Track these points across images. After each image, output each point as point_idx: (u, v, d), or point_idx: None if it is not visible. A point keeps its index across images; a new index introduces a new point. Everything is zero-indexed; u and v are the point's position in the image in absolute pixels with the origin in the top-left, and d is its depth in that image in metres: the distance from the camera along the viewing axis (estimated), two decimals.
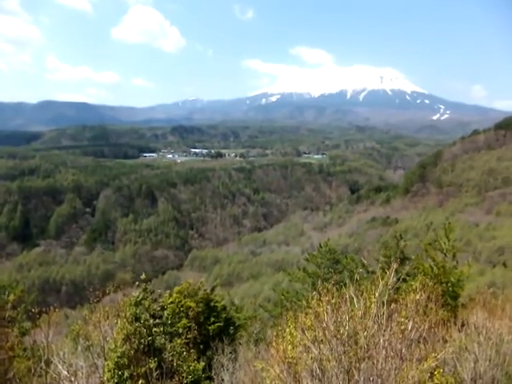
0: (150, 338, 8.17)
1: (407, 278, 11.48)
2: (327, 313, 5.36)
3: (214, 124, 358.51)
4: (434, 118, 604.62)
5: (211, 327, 12.77)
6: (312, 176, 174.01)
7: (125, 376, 7.70)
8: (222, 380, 10.01)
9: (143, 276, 9.27)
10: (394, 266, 6.19)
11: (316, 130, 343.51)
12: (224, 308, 14.11)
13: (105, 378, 7.91)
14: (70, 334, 10.29)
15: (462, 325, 8.38)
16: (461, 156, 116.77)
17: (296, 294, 16.25)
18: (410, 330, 5.30)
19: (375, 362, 5.08)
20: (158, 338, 8.37)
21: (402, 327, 5.26)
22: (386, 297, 5.49)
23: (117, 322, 8.53)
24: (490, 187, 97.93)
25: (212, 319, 12.99)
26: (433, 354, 5.44)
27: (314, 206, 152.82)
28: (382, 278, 5.74)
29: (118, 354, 7.79)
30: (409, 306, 5.51)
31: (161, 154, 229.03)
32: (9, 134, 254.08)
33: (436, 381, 5.56)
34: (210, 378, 10.25)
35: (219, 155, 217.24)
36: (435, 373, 5.58)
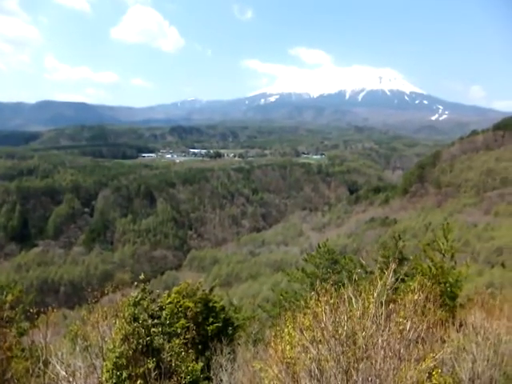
0: (148, 339, 8.16)
1: (405, 278, 11.50)
2: (326, 313, 5.36)
3: (213, 124, 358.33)
4: (433, 118, 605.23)
5: (210, 327, 12.77)
6: (311, 176, 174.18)
7: (123, 376, 7.69)
8: (221, 380, 10.01)
9: (142, 276, 9.25)
10: (393, 266, 6.19)
11: (315, 130, 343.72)
12: (223, 308, 14.11)
13: (103, 379, 7.90)
14: (69, 335, 10.28)
15: (460, 325, 8.38)
16: (459, 156, 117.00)
17: (294, 294, 16.26)
18: (409, 331, 5.30)
19: (373, 362, 5.08)
20: (156, 338, 8.36)
21: (401, 327, 5.26)
22: (385, 297, 5.50)
23: (115, 323, 8.51)
24: (488, 188, 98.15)
25: (211, 319, 12.99)
26: (431, 354, 5.45)
27: (312, 207, 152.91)
28: (381, 279, 5.75)
29: (117, 354, 7.78)
30: (407, 306, 5.51)
31: (159, 154, 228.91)
32: (7, 133, 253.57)
33: (434, 381, 5.56)
34: (209, 379, 10.24)
35: (218, 155, 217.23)
36: (433, 373, 5.58)
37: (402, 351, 5.18)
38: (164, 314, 10.08)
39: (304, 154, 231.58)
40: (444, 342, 7.32)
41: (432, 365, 5.37)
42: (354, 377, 5.05)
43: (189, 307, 11.98)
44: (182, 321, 11.18)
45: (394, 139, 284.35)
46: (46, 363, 8.00)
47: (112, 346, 7.96)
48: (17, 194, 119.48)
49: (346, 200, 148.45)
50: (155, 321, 8.68)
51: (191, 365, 8.78)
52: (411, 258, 13.11)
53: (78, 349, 8.78)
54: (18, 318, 11.51)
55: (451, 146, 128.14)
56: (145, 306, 8.59)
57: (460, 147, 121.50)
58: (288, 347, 5.58)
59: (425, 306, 5.91)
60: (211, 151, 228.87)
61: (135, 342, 7.93)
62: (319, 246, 17.48)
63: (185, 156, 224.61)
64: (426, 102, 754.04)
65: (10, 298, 11.76)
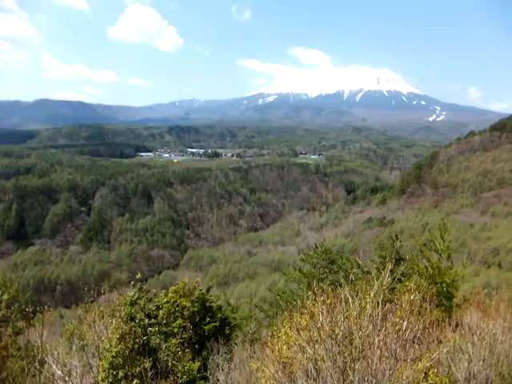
0: (145, 338, 8.15)
1: (402, 278, 11.51)
2: (322, 313, 5.37)
3: (211, 124, 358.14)
4: (430, 119, 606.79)
5: (207, 327, 12.75)
6: (308, 176, 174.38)
7: (119, 376, 7.67)
8: (217, 380, 10.00)
9: (139, 275, 9.24)
10: (389, 266, 6.20)
11: (313, 130, 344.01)
12: (220, 308, 14.09)
13: (99, 378, 7.88)
14: (65, 334, 10.23)
15: (457, 325, 8.40)
16: (456, 157, 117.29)
17: (291, 294, 16.24)
18: (405, 330, 5.31)
19: (370, 362, 5.09)
20: (153, 337, 8.35)
21: (397, 327, 5.27)
22: (381, 297, 5.50)
23: (112, 322, 8.50)
24: (485, 188, 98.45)
25: (207, 319, 12.97)
26: (427, 354, 5.46)
27: (310, 207, 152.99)
28: (377, 279, 5.76)
29: (113, 353, 7.76)
30: (403, 306, 5.52)
31: (157, 153, 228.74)
32: (4, 132, 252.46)
33: (430, 381, 5.58)
34: (205, 378, 10.23)
35: (216, 155, 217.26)
36: (429, 373, 5.60)
37: (398, 351, 5.19)
38: (161, 314, 10.07)
39: (302, 154, 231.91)
40: (440, 342, 7.34)
41: (428, 365, 5.38)
42: (351, 377, 5.06)
43: (186, 307, 11.95)
44: (179, 320, 11.16)
45: (392, 140, 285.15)
46: (42, 362, 7.97)
47: (108, 346, 7.94)
48: (14, 193, 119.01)
49: (343, 200, 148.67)
50: (152, 320, 8.68)
51: (188, 364, 8.77)
52: (408, 258, 13.12)
53: (74, 348, 8.76)
54: (14, 317, 11.46)
55: (448, 147, 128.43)
56: (141, 305, 8.57)
57: (457, 148, 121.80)
58: (285, 347, 5.59)
59: (421, 306, 5.92)
60: (209, 151, 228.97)
61: (132, 341, 7.91)
62: (316, 246, 17.49)
63: (183, 155, 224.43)
64: (423, 102, 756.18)
65: (6, 297, 11.70)
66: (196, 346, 11.88)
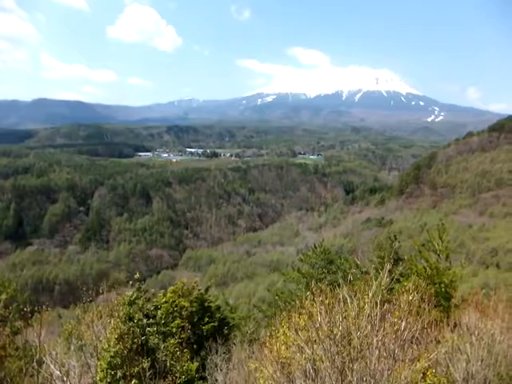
0: (143, 338, 8.14)
1: (400, 278, 11.53)
2: (321, 313, 5.37)
3: (210, 124, 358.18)
4: (429, 119, 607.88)
5: (205, 327, 12.75)
6: (307, 176, 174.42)
7: (118, 376, 7.67)
8: (216, 380, 9.99)
9: (137, 275, 9.23)
10: (388, 266, 6.21)
11: (311, 130, 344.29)
12: (218, 308, 14.09)
13: (97, 378, 7.87)
14: (63, 334, 10.22)
15: (455, 325, 8.41)
16: (455, 158, 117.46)
17: (290, 294, 16.25)
18: (403, 331, 5.32)
19: (368, 362, 5.10)
20: (151, 337, 8.34)
21: (395, 327, 5.28)
22: (380, 297, 5.51)
23: (110, 322, 8.48)
24: (483, 189, 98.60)
25: (206, 319, 12.97)
26: (425, 355, 5.47)
27: (309, 207, 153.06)
28: (376, 279, 5.76)
29: (111, 353, 7.75)
30: (402, 306, 5.52)
31: (156, 153, 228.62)
32: (3, 131, 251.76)
33: (428, 381, 5.59)
34: (204, 378, 10.22)
35: (215, 155, 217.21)
36: (428, 373, 5.61)
37: (396, 351, 5.19)
38: (159, 314, 10.07)
39: (301, 154, 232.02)
40: (438, 342, 7.35)
41: (426, 365, 5.39)
42: (349, 377, 5.06)
43: (184, 307, 11.95)
44: (178, 320, 11.15)
45: (390, 140, 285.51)
46: (40, 362, 7.96)
47: (107, 346, 7.93)
48: (12, 193, 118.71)
49: (342, 200, 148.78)
50: (150, 320, 8.67)
51: (186, 364, 8.77)
52: (406, 258, 13.14)
53: (72, 348, 8.75)
54: (12, 316, 11.43)
55: (447, 148, 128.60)
56: (140, 305, 8.57)
57: (456, 148, 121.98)
58: (283, 347, 5.59)
59: (419, 306, 5.93)
60: (208, 151, 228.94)
61: (130, 341, 7.90)
62: (315, 246, 17.49)
63: (181, 155, 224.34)
64: (422, 103, 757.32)
65: (4, 296, 11.69)
66: (194, 346, 11.88)
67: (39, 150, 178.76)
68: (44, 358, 7.99)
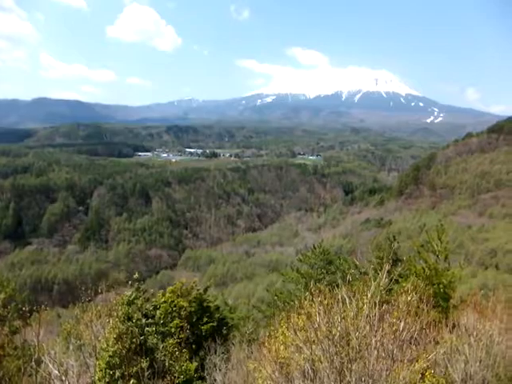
0: (142, 338, 8.13)
1: (399, 279, 11.54)
2: (319, 313, 5.37)
3: (209, 124, 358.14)
4: (428, 120, 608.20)
5: (204, 327, 12.75)
6: (306, 177, 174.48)
7: (116, 375, 7.66)
8: (215, 380, 10.00)
9: (136, 275, 9.22)
10: (387, 267, 6.22)
11: (311, 131, 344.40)
12: (217, 308, 14.10)
13: (96, 378, 7.87)
14: (62, 333, 10.22)
15: (453, 326, 8.42)
16: (454, 159, 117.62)
17: (289, 294, 16.26)
18: (402, 331, 5.32)
19: (367, 362, 5.10)
20: (150, 337, 8.34)
21: (394, 328, 5.28)
22: (378, 298, 5.51)
23: (109, 322, 8.48)
24: (482, 190, 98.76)
25: (205, 319, 12.97)
26: (424, 355, 5.48)
27: (308, 207, 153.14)
28: (375, 279, 5.77)
29: (110, 353, 7.75)
30: (401, 307, 5.53)
31: (155, 153, 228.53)
32: (2, 131, 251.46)
33: (427, 382, 5.59)
34: (203, 378, 10.22)
35: (214, 155, 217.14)
36: (426, 374, 5.61)
37: (395, 352, 5.20)
38: (158, 314, 10.07)
39: (300, 154, 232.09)
40: (437, 342, 7.36)
41: (425, 365, 5.40)
42: (348, 377, 5.07)
43: (183, 307, 11.95)
44: (176, 320, 11.15)
45: (390, 141, 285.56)
46: (39, 362, 7.95)
47: (105, 345, 7.93)
48: (11, 192, 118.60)
49: (341, 201, 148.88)
50: (149, 320, 8.66)
51: (185, 364, 8.77)
52: (405, 259, 13.15)
53: (71, 348, 8.74)
54: (11, 316, 11.42)
55: (446, 149, 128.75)
56: (139, 305, 8.56)
57: (455, 149, 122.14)
58: (282, 347, 5.60)
59: (418, 306, 5.94)
60: (207, 151, 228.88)
61: (129, 341, 7.90)
62: (314, 247, 17.51)
63: (181, 155, 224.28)
64: (421, 104, 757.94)
65: (2, 296, 11.68)
66: (193, 346, 11.88)
67: (38, 150, 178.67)
68: (42, 358, 7.99)
